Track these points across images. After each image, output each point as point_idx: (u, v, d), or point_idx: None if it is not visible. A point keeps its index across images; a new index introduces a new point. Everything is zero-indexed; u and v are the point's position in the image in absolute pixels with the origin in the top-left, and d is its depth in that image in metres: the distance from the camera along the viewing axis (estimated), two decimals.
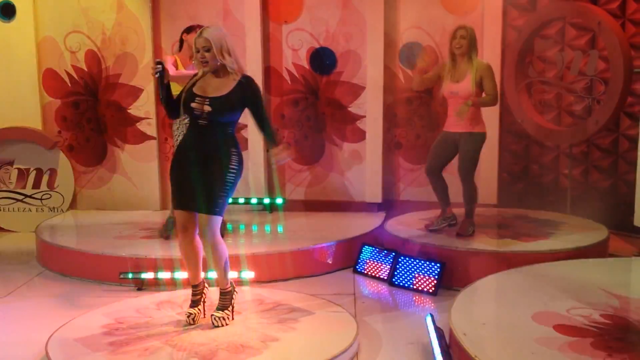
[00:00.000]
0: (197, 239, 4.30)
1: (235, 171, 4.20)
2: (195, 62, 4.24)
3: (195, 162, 4.16)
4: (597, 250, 5.50)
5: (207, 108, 4.10)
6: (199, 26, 5.69)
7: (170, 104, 4.26)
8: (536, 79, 7.10)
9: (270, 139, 4.31)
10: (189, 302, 4.44)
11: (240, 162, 4.25)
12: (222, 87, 4.15)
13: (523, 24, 7.00)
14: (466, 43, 5.52)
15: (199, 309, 4.40)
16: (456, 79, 5.59)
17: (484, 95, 5.60)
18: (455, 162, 5.83)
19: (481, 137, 5.69)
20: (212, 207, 4.14)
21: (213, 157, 4.14)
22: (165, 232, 6.04)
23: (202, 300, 4.45)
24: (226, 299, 4.37)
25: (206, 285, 4.51)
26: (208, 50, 4.11)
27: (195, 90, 4.17)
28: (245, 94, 4.18)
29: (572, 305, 4.24)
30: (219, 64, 4.14)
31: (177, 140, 5.77)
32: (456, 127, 5.67)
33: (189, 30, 5.80)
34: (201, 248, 4.33)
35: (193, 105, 4.11)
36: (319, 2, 7.33)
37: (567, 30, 7.09)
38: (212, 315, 4.30)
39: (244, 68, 4.30)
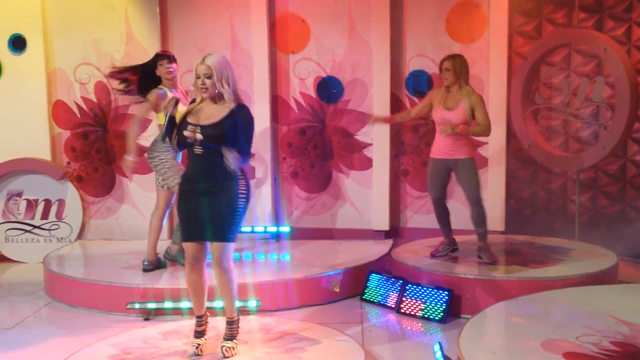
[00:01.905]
0: (205, 271, 4.31)
1: (245, 196, 4.21)
2: (194, 88, 4.26)
3: (203, 192, 4.17)
4: (606, 277, 5.46)
5: (199, 136, 4.12)
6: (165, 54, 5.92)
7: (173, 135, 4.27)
8: (543, 106, 7.11)
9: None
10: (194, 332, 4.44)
11: (248, 186, 4.26)
12: (215, 114, 4.17)
13: (529, 51, 7.03)
14: (450, 75, 5.59)
15: (205, 339, 4.39)
16: (449, 106, 5.62)
17: (475, 125, 5.63)
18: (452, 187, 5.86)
19: (474, 161, 5.77)
20: (226, 234, 4.16)
21: (221, 185, 4.15)
22: (163, 262, 6.06)
23: (207, 330, 4.44)
24: (233, 328, 4.38)
25: (209, 314, 4.50)
26: (209, 77, 4.14)
27: (188, 118, 4.20)
28: (236, 120, 4.15)
29: (581, 333, 4.20)
30: (217, 92, 4.18)
31: (159, 173, 5.83)
32: (450, 154, 5.68)
33: (161, 57, 5.89)
34: (207, 280, 4.33)
35: (185, 133, 4.13)
36: (325, 32, 7.40)
37: (573, 57, 7.11)
38: (222, 346, 4.30)
39: (241, 98, 4.28)
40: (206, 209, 4.17)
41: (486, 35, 7.13)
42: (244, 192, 4.21)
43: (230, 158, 4.10)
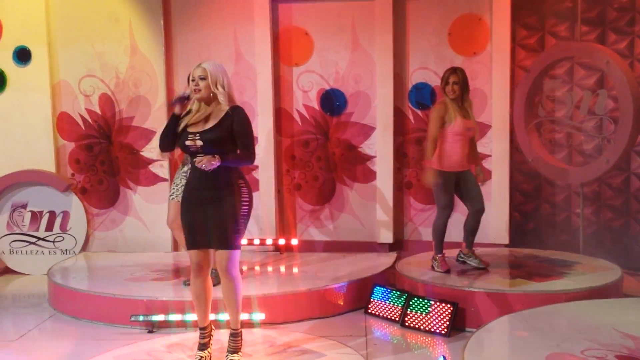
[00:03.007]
0: (209, 279, 4.33)
1: (247, 203, 4.25)
2: (189, 91, 4.26)
3: (206, 201, 4.20)
4: (611, 291, 5.44)
5: (199, 142, 4.15)
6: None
7: (172, 134, 4.26)
8: (546, 119, 7.13)
9: (238, 154, 4.26)
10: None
11: (250, 193, 4.30)
12: (212, 119, 4.21)
13: (532, 64, 7.05)
14: (458, 88, 5.72)
15: (208, 352, 4.39)
16: (467, 116, 5.76)
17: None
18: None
19: None
20: (231, 242, 4.19)
21: (223, 193, 4.18)
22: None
23: (210, 342, 4.44)
24: (237, 341, 4.39)
25: (213, 327, 4.50)
26: (203, 79, 4.19)
27: (188, 129, 4.22)
28: (233, 120, 4.20)
29: (586, 347, 4.19)
30: (211, 95, 4.21)
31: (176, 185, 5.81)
32: (464, 166, 5.83)
33: None
34: (211, 289, 4.35)
35: (187, 143, 4.18)
36: (328, 44, 7.43)
37: (576, 70, 7.13)
38: (227, 358, 4.30)
39: (236, 102, 4.32)
40: (211, 217, 4.19)
41: (489, 48, 7.16)
42: (246, 199, 4.26)
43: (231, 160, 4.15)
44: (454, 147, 5.74)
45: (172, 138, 4.26)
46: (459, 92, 5.71)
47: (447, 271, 5.84)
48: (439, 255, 5.91)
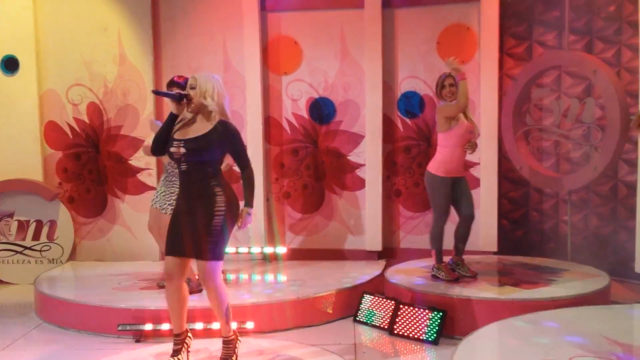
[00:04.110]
0: (184, 287, 4.31)
1: (222, 213, 4.16)
2: (185, 92, 4.23)
3: (186, 209, 4.20)
4: (598, 298, 5.46)
5: (182, 150, 4.13)
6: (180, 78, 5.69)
7: (166, 135, 4.23)
8: (534, 127, 7.15)
9: (246, 186, 4.30)
10: (188, 353, 4.43)
11: (229, 202, 4.20)
12: (199, 129, 4.20)
13: (519, 73, 7.08)
14: (455, 89, 5.75)
15: (179, 359, 4.38)
16: (469, 119, 5.81)
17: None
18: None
19: None
20: (205, 253, 4.16)
21: (198, 201, 4.17)
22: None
23: (185, 350, 4.45)
24: (229, 348, 4.38)
25: (189, 335, 4.48)
26: (192, 88, 4.19)
27: (175, 135, 4.22)
28: (223, 137, 4.19)
29: (574, 354, 4.19)
30: (201, 105, 4.19)
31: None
32: (461, 172, 5.89)
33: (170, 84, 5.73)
34: (187, 297, 4.34)
35: (172, 150, 4.17)
36: (317, 53, 7.45)
37: (563, 79, 7.17)
38: None
39: (227, 116, 4.27)
40: (186, 226, 4.18)
41: (477, 57, 7.19)
42: (222, 209, 4.16)
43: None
44: (455, 153, 5.77)
45: (165, 140, 4.21)
46: (455, 93, 5.73)
47: (457, 279, 5.81)
48: (443, 264, 5.90)
